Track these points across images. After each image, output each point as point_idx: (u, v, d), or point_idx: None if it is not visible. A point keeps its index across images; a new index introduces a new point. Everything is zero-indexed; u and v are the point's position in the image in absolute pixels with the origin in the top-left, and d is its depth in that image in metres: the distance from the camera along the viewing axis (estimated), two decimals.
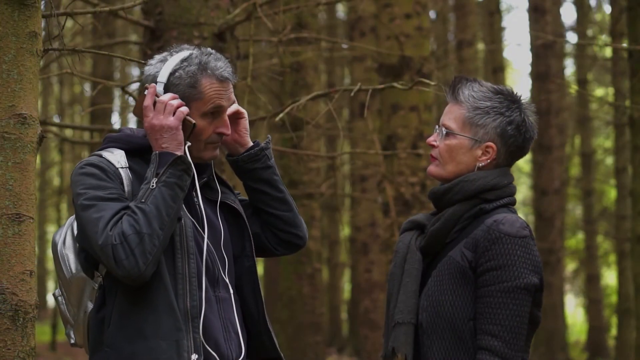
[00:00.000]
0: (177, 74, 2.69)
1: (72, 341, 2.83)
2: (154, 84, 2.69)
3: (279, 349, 2.82)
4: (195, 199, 2.75)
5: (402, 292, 2.71)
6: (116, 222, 2.53)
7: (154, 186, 2.55)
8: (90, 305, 2.74)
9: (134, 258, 2.50)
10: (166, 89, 2.70)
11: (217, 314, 2.68)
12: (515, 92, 2.78)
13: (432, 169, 2.79)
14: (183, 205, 2.68)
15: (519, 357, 2.60)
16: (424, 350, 2.66)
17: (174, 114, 2.64)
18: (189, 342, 2.57)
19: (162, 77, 2.69)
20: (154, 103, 2.67)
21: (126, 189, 2.63)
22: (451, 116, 2.76)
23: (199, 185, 2.77)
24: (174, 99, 2.66)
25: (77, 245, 2.74)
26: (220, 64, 2.71)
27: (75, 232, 2.74)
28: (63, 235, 2.83)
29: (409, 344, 2.66)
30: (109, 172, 2.63)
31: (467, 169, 2.73)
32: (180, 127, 2.65)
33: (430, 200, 2.79)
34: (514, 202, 2.77)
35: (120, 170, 2.65)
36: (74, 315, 2.80)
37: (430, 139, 2.79)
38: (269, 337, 2.81)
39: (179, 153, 2.63)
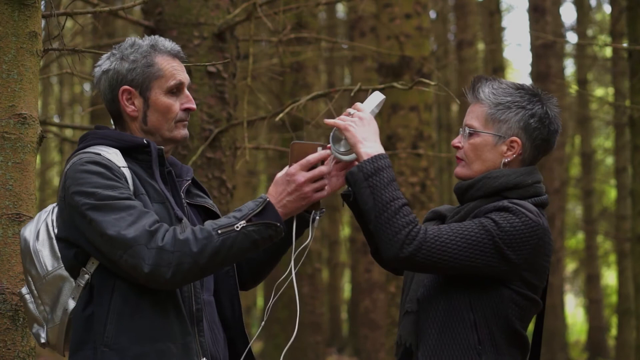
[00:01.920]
0: (131, 57, 2.67)
1: (43, 340, 2.70)
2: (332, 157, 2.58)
3: (254, 355, 2.78)
4: (185, 202, 2.72)
5: (415, 281, 2.71)
6: (155, 222, 2.46)
7: (238, 228, 2.49)
8: (72, 304, 2.63)
9: (170, 272, 2.44)
10: (123, 78, 2.66)
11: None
12: (536, 87, 2.78)
13: (459, 170, 2.76)
14: (177, 207, 2.64)
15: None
16: (421, 323, 2.64)
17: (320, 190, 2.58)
18: (196, 345, 2.56)
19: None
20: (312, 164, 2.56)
21: (131, 188, 2.56)
22: (473, 115, 2.74)
23: (184, 189, 2.73)
24: (325, 174, 2.59)
25: (56, 241, 2.62)
26: (168, 43, 2.71)
27: (53, 228, 2.63)
28: (35, 231, 2.68)
29: (413, 333, 2.66)
30: (115, 170, 2.55)
31: (494, 166, 2.71)
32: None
33: (455, 195, 2.77)
34: (541, 203, 2.69)
35: (122, 169, 2.58)
36: (45, 314, 2.69)
37: (455, 141, 2.77)
38: (245, 343, 2.77)
39: (283, 218, 2.55)
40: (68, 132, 16.95)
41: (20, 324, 2.72)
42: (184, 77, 2.70)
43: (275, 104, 9.93)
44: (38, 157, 3.09)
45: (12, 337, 2.71)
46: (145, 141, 2.64)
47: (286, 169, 2.58)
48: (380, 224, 2.53)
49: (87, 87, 18.93)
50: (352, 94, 5.06)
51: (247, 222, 2.48)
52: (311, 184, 2.55)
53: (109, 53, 2.73)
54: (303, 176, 2.54)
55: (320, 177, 2.56)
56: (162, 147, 2.68)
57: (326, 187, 2.60)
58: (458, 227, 2.55)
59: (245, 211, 2.50)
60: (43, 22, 3.02)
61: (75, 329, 2.59)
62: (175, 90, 2.68)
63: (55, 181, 22.13)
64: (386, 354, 7.82)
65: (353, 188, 2.58)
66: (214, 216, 2.79)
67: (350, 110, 2.66)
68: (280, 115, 5.07)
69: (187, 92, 2.71)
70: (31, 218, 2.76)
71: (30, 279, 2.67)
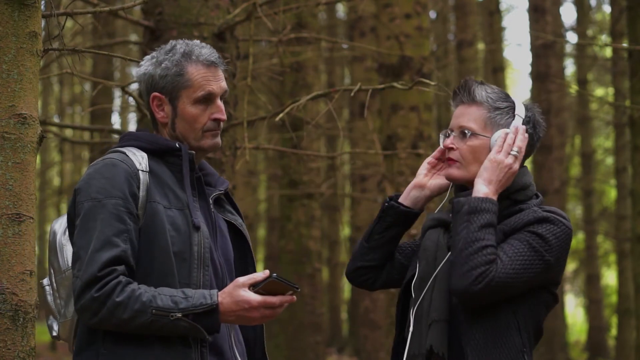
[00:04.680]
0: (163, 64, 2.68)
1: (55, 334, 2.79)
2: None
3: None
4: (213, 209, 2.72)
5: (437, 289, 2.72)
6: (110, 262, 2.48)
7: (172, 318, 2.47)
8: None
9: (93, 320, 2.49)
10: (155, 84, 2.68)
11: None
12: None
13: (454, 171, 2.78)
14: (200, 213, 2.64)
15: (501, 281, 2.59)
16: (462, 330, 2.67)
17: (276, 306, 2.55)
18: (196, 354, 2.56)
19: None
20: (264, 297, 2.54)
21: (141, 194, 2.57)
22: (470, 117, 2.76)
23: (213, 197, 2.74)
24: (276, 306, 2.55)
25: (69, 232, 2.70)
26: (205, 51, 2.70)
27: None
28: (64, 224, 2.78)
29: (444, 343, 2.67)
30: (131, 174, 2.58)
31: None
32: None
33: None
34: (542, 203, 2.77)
35: (140, 172, 2.60)
36: (61, 309, 2.76)
37: (448, 142, 2.78)
38: None
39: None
40: (68, 132, 16.96)
41: (20, 324, 2.72)
42: (216, 87, 2.69)
43: (275, 104, 9.92)
44: (38, 157, 3.09)
45: (12, 337, 2.70)
46: (177, 145, 2.66)
47: (245, 281, 2.52)
48: (462, 256, 2.61)
49: (87, 87, 18.94)
50: (352, 93, 5.06)
51: (183, 315, 2.47)
52: (263, 311, 2.52)
53: (150, 55, 2.75)
54: (260, 312, 2.51)
55: (272, 307, 2.53)
56: (194, 152, 2.68)
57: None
58: (513, 254, 2.61)
59: (190, 303, 2.48)
60: (43, 22, 3.02)
61: (82, 329, 2.63)
62: (204, 100, 2.68)
63: (56, 181, 22.14)
64: (386, 354, 7.82)
65: (454, 215, 2.69)
66: (241, 236, 2.80)
67: (514, 149, 2.70)
68: (280, 115, 5.07)
69: (218, 102, 2.70)
70: (31, 218, 2.76)
71: (52, 271, 2.77)
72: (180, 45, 2.70)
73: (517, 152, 2.69)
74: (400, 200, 2.86)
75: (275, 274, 2.50)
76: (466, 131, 2.75)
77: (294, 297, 2.54)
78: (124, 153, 2.63)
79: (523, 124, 2.74)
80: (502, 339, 2.63)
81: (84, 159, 18.07)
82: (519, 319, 2.66)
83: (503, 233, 2.67)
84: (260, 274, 2.52)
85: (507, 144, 2.69)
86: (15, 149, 2.72)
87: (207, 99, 2.68)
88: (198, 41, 2.74)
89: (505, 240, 2.65)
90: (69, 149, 18.79)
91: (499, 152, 2.69)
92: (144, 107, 2.77)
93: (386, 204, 2.87)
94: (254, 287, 2.51)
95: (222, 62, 2.72)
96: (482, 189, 2.66)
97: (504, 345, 2.63)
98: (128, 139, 2.71)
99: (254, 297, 2.50)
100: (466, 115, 2.76)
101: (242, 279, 2.52)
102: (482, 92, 2.75)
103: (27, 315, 2.75)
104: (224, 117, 2.71)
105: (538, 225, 2.63)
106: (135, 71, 2.78)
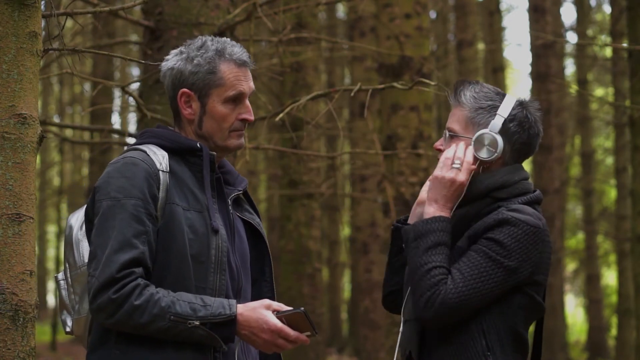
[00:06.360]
0: (196, 60, 2.65)
1: (68, 329, 2.77)
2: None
3: None
4: (232, 211, 2.70)
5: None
6: (128, 264, 2.46)
7: (190, 325, 2.46)
8: None
9: (108, 321, 2.48)
10: (184, 80, 2.66)
11: None
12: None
13: None
14: (219, 215, 2.63)
15: (461, 299, 2.56)
16: (427, 333, 2.68)
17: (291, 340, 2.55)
18: (210, 358, 2.56)
19: None
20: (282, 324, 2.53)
21: (160, 195, 2.55)
22: (454, 119, 2.77)
23: (232, 197, 2.72)
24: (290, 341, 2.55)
25: (87, 228, 2.67)
26: (237, 50, 2.68)
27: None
28: (81, 219, 2.74)
29: (414, 341, 2.69)
30: (151, 174, 2.55)
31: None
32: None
33: None
34: (535, 200, 2.73)
35: (160, 173, 2.57)
36: (75, 304, 2.74)
37: (437, 144, 2.81)
38: None
39: (237, 344, 2.59)
40: (68, 132, 16.96)
41: (20, 324, 2.72)
42: (246, 87, 2.67)
43: (275, 104, 9.91)
44: (38, 157, 3.09)
45: (12, 337, 2.70)
46: (198, 145, 2.64)
47: (272, 304, 2.54)
48: (412, 285, 2.63)
49: (87, 87, 18.94)
50: (352, 93, 5.07)
51: (201, 324, 2.46)
52: (277, 338, 2.51)
53: (178, 50, 2.71)
54: (272, 338, 2.51)
55: (286, 339, 2.53)
56: (215, 153, 2.66)
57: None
58: (467, 269, 2.58)
59: (209, 312, 2.48)
60: (43, 22, 3.02)
61: (96, 327, 2.62)
62: (234, 100, 2.66)
63: (56, 181, 22.14)
64: (386, 354, 7.82)
65: (404, 244, 2.70)
66: (258, 235, 2.79)
67: (455, 162, 2.68)
68: (280, 115, 5.07)
69: (247, 102, 2.68)
70: (31, 218, 2.76)
71: (67, 266, 2.73)
72: (212, 42, 2.68)
73: (459, 164, 2.68)
74: (409, 220, 2.84)
75: (303, 308, 2.51)
76: (447, 133, 2.77)
77: (308, 340, 2.55)
78: (145, 152, 2.60)
79: (505, 122, 2.71)
80: (463, 342, 2.62)
81: (84, 159, 18.09)
82: (485, 322, 2.62)
83: (468, 238, 2.67)
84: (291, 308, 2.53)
85: (445, 159, 2.70)
86: (15, 149, 2.72)
87: (237, 99, 2.66)
88: (228, 39, 2.72)
89: (466, 251, 2.64)
90: (69, 149, 18.79)
91: (440, 168, 2.69)
92: (169, 102, 2.74)
93: (392, 227, 2.87)
94: (278, 313, 2.52)
95: (252, 61, 2.71)
96: (429, 210, 2.68)
97: (465, 348, 2.62)
98: (148, 136, 2.68)
99: (274, 320, 2.50)
100: (452, 117, 2.79)
101: (269, 301, 2.54)
102: (468, 92, 2.75)
103: (27, 315, 2.74)
104: (252, 117, 2.70)
105: (497, 230, 2.60)
106: (162, 65, 2.74)
